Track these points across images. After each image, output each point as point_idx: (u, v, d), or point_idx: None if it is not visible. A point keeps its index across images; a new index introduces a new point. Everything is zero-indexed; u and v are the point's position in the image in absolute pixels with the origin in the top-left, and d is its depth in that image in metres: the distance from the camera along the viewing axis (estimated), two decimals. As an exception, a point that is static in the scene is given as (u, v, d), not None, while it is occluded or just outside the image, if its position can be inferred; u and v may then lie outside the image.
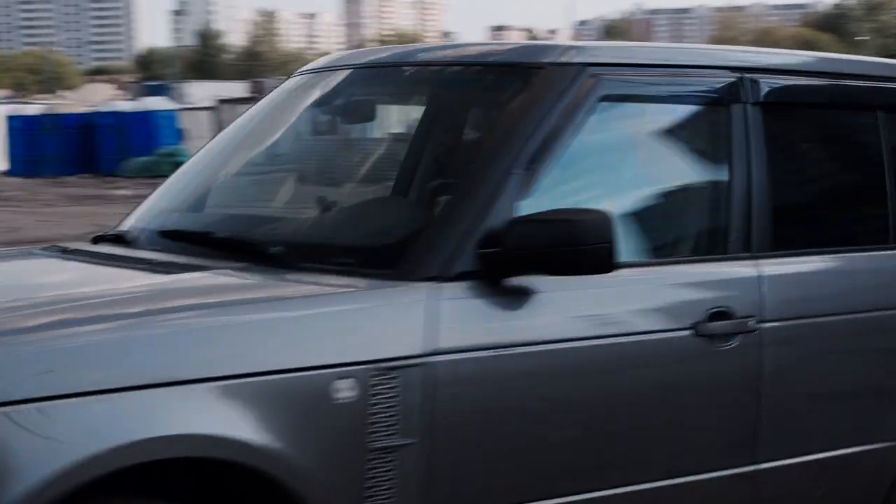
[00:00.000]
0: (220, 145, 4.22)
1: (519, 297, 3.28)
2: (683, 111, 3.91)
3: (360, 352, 3.05)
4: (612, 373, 3.43)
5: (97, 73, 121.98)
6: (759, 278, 3.71)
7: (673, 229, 3.84)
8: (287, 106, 4.20)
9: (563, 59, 3.59)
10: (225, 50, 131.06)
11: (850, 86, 4.13)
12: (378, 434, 3.06)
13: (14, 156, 37.25)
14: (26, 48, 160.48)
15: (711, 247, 3.81)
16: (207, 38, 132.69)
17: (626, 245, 3.48)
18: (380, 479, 3.08)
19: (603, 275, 3.27)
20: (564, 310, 3.36)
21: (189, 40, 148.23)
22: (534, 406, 3.31)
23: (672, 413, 3.54)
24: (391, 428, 3.08)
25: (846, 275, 3.97)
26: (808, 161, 4.16)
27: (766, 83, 3.88)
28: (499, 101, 3.64)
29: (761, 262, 3.75)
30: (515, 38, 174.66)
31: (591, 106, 3.55)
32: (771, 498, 3.75)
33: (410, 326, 3.13)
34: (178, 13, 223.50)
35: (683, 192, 3.88)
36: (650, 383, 3.49)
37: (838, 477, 3.88)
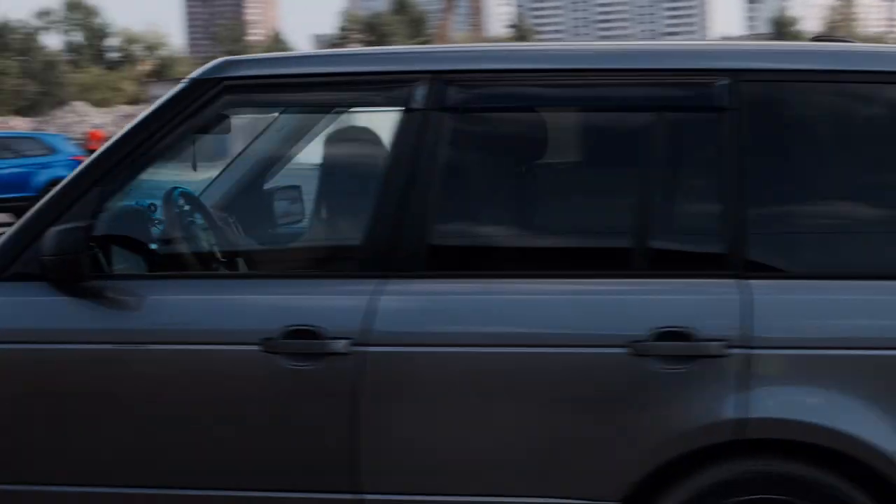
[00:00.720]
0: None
1: (77, 297, 3.58)
2: (333, 120, 4.20)
3: None
4: (120, 380, 3.58)
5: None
6: (374, 301, 3.49)
7: (275, 242, 4.09)
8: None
9: (203, 75, 3.75)
10: (800, 37, 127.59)
11: (584, 84, 3.61)
12: None
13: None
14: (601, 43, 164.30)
15: (325, 265, 3.90)
16: (782, 26, 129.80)
17: (207, 259, 3.86)
18: None
19: (168, 285, 3.64)
20: (102, 312, 3.59)
21: (763, 28, 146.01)
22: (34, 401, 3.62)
23: (239, 427, 3.51)
24: None
25: (500, 303, 3.46)
26: (503, 175, 3.76)
27: (459, 88, 3.58)
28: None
29: (391, 283, 3.51)
30: None
31: (214, 119, 3.75)
32: None
33: None
34: (752, 1, 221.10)
35: (305, 206, 4.14)
36: (203, 394, 3.53)
37: None
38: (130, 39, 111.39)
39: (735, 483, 3.40)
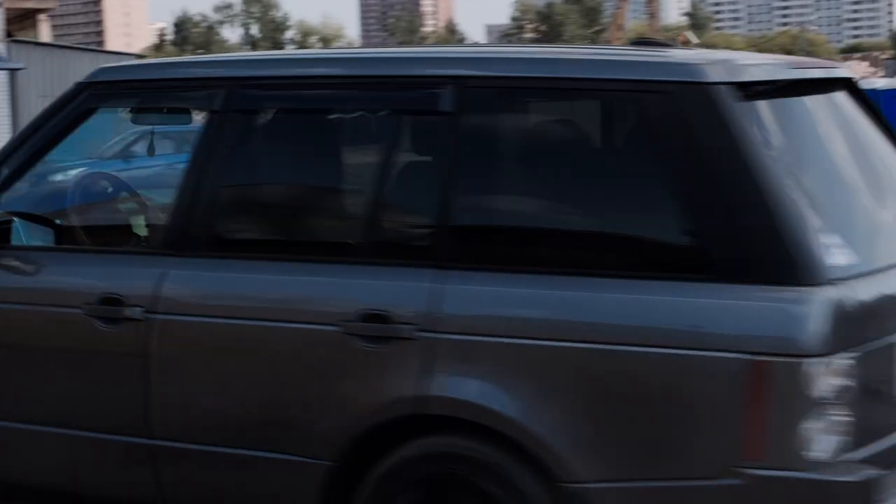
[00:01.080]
0: None
1: None
2: (177, 120, 4.95)
3: None
4: None
5: (852, 51, 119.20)
6: (164, 274, 4.08)
7: (91, 221, 4.83)
8: None
9: (84, 79, 4.43)
10: None
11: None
12: None
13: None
14: (781, 28, 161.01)
15: (142, 242, 4.76)
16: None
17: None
18: None
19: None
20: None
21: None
22: None
23: (62, 375, 4.24)
24: None
25: (246, 280, 3.99)
26: (271, 170, 4.26)
27: (242, 94, 4.12)
28: None
29: (180, 260, 4.08)
30: None
31: (80, 117, 4.42)
32: (171, 475, 4.08)
33: None
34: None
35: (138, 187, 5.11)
36: (43, 346, 4.31)
37: (254, 477, 3.94)
38: (307, 32, 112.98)
39: (426, 458, 3.71)
